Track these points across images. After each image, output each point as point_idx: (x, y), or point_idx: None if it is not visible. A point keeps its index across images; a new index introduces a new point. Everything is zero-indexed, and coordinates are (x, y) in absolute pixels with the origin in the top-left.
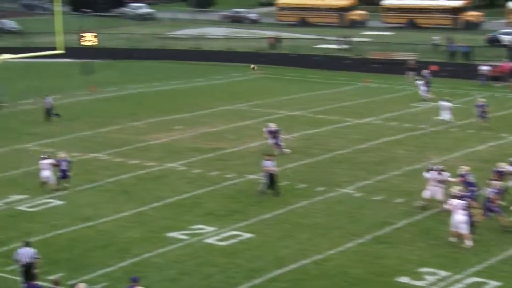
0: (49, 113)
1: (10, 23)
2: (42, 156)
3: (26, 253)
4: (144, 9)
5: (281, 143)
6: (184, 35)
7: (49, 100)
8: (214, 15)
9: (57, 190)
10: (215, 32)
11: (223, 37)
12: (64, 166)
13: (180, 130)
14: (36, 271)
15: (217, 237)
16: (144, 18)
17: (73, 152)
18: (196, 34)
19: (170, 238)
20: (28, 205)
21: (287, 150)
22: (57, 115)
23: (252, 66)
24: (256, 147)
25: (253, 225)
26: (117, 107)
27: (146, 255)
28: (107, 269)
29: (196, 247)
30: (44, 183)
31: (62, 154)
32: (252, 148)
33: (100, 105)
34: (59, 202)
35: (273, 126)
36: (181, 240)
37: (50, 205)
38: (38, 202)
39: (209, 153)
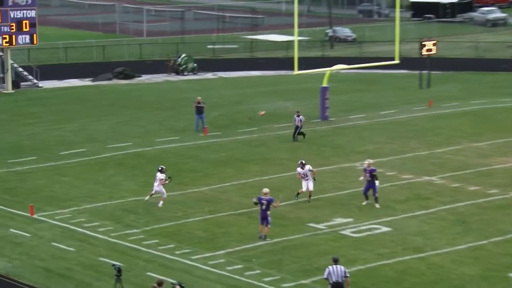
0: (296, 131)
1: (344, 31)
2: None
3: (336, 271)
4: (495, 13)
5: None
6: None
7: (301, 117)
8: None
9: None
10: None
11: None
12: (368, 177)
13: None
14: None
15: None
16: (494, 24)
17: (404, 174)
18: None
19: None
20: (353, 229)
21: None
22: (302, 134)
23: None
24: None
25: None
26: (457, 125)
27: None
28: None
29: None
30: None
31: (369, 161)
32: None
33: (438, 122)
34: (385, 229)
35: None
36: None
37: (376, 231)
38: (364, 227)
39: None
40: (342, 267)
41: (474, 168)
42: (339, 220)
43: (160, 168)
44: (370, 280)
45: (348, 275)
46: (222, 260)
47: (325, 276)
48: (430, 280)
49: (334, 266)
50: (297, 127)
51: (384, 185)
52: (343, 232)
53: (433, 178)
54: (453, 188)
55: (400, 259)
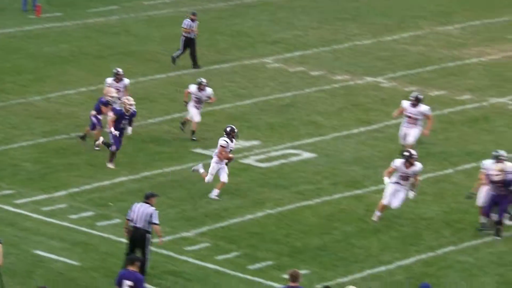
0: None
1: None
2: None
3: (138, 212)
4: None
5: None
6: None
7: None
8: None
9: None
10: None
11: None
12: None
13: None
14: None
15: None
16: None
17: (336, 74)
18: None
19: None
20: (259, 157)
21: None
22: None
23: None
24: None
25: None
26: (417, 0)
27: None
28: None
29: None
30: None
31: None
32: None
33: None
34: (308, 155)
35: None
36: None
37: (293, 158)
38: (275, 153)
39: None
40: (151, 209)
41: (438, 63)
42: (239, 144)
43: None
44: (283, 229)
45: (156, 221)
46: (62, 206)
47: (127, 216)
48: (371, 228)
49: (140, 204)
50: None
51: (307, 90)
52: (245, 160)
53: (379, 79)
54: (408, 93)
55: (327, 198)
